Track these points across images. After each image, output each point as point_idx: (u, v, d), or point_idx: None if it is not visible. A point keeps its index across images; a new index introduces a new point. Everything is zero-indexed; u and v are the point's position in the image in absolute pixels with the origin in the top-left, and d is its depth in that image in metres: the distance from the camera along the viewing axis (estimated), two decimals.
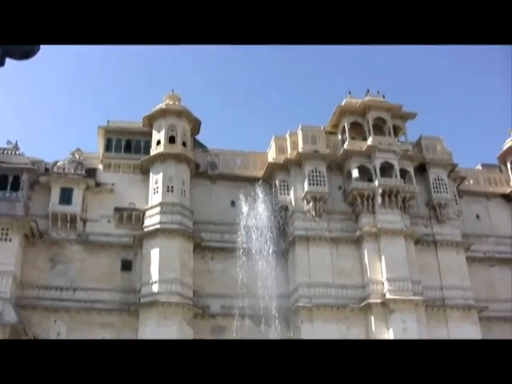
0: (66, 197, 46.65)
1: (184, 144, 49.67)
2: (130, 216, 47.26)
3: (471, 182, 57.00)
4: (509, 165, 57.43)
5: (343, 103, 52.51)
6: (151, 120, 50.42)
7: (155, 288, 43.78)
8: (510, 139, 58.19)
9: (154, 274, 44.19)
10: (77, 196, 46.98)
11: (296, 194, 48.82)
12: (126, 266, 46.30)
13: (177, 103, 51.26)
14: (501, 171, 58.54)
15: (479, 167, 59.59)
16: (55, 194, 46.68)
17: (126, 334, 42.71)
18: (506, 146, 57.86)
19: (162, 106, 50.58)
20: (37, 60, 8.37)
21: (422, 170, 52.10)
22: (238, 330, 41.75)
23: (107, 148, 50.15)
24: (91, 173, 48.66)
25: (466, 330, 45.39)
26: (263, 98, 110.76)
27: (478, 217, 55.37)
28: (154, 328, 42.11)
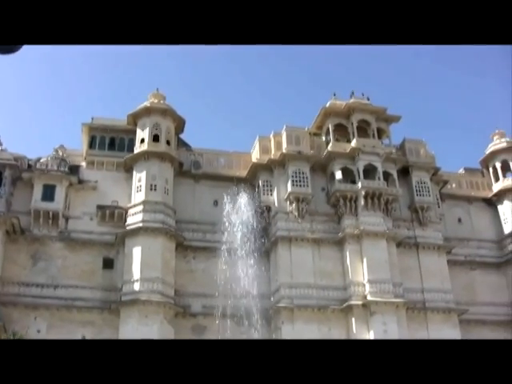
0: (48, 193, 46.46)
1: (168, 143, 49.59)
2: (113, 214, 47.10)
3: (453, 185, 57.34)
4: (491, 169, 57.77)
5: (328, 105, 52.60)
6: (135, 118, 50.28)
7: (136, 286, 43.67)
8: (492, 144, 58.52)
9: (136, 273, 44.08)
10: (59, 193, 46.79)
11: (279, 194, 48.87)
12: (108, 263, 46.15)
13: (161, 102, 51.14)
14: (483, 175, 58.89)
15: (462, 171, 59.96)
16: (38, 191, 46.47)
17: (107, 333, 42.60)
18: (488, 151, 58.16)
19: (146, 104, 50.45)
20: (21, 56, 8.34)
21: (405, 172, 52.33)
22: (218, 330, 41.70)
23: (91, 145, 50.00)
24: (74, 170, 48.50)
25: (446, 332, 45.65)
26: (248, 98, 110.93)
27: (459, 220, 55.70)
28: (135, 326, 42.00)
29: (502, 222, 55.54)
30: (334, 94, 54.08)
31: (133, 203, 47.04)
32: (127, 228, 46.09)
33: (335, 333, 44.55)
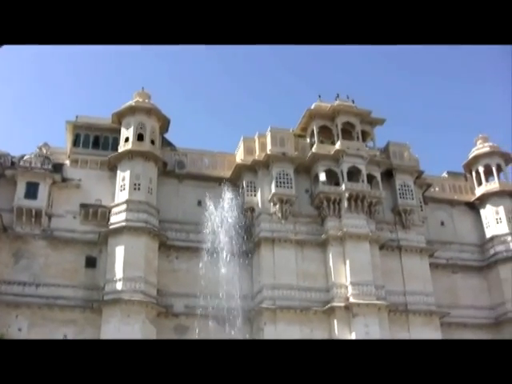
0: (31, 191, 46.23)
1: (152, 142, 49.48)
2: (96, 213, 46.92)
3: (437, 189, 57.63)
4: (474, 173, 58.12)
5: (313, 107, 52.70)
6: (120, 117, 50.12)
7: (119, 286, 43.51)
8: (475, 148, 58.87)
9: (119, 272, 43.91)
10: (42, 191, 46.57)
11: (263, 195, 48.87)
12: (91, 262, 45.96)
13: (146, 101, 51.01)
14: (466, 179, 59.27)
15: (445, 175, 60.29)
16: (21, 188, 46.22)
17: (89, 332, 42.49)
18: (471, 155, 58.52)
19: (131, 103, 50.30)
20: (5, 53, 8.33)
21: (388, 175, 52.52)
22: (200, 330, 41.67)
23: (75, 143, 49.79)
24: (58, 168, 48.27)
25: (427, 335, 45.83)
26: (233, 98, 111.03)
27: (442, 224, 56.01)
28: (117, 326, 41.85)
29: (484, 226, 55.90)
30: (319, 96, 54.28)
31: (116, 202, 46.89)
32: (110, 227, 45.92)
33: (317, 334, 44.59)
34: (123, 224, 45.43)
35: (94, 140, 50.34)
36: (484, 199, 56.48)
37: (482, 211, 56.71)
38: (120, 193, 47.17)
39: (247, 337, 43.49)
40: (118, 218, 46.15)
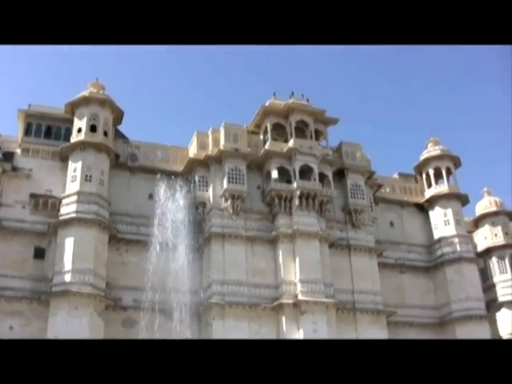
0: None
1: (105, 133, 49.06)
2: (46, 203, 46.42)
3: (387, 189, 58.28)
4: (424, 175, 58.97)
5: (267, 104, 52.78)
6: (74, 107, 49.59)
7: (67, 278, 43.05)
8: (426, 151, 59.77)
9: (67, 264, 43.45)
10: None
11: (215, 190, 48.88)
12: (39, 253, 45.46)
13: (101, 92, 50.53)
14: (416, 181, 60.13)
15: (396, 176, 61.02)
16: None
17: (36, 324, 42.08)
18: (422, 158, 59.40)
19: (85, 93, 49.80)
20: None
21: (340, 175, 52.96)
22: (148, 324, 41.42)
23: (27, 132, 49.17)
24: (8, 157, 47.60)
25: (374, 333, 46.40)
26: (189, 93, 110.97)
27: (391, 224, 56.70)
28: (65, 318, 41.44)
29: (433, 228, 56.82)
30: (274, 94, 54.37)
31: (67, 193, 46.39)
32: (60, 218, 45.43)
33: (265, 330, 44.80)
34: (73, 215, 44.99)
35: (46, 129, 49.76)
36: (433, 201, 57.37)
37: (430, 213, 57.60)
38: (71, 184, 46.68)
39: (195, 331, 43.45)
40: (68, 210, 45.67)
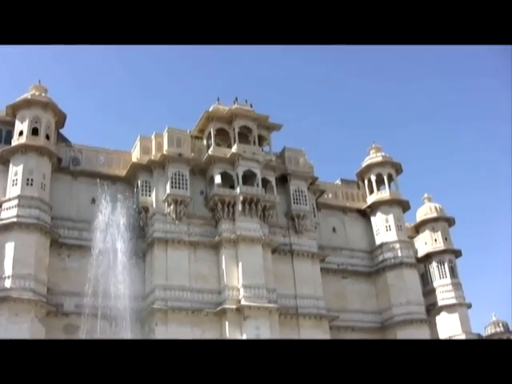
0: None
1: (47, 137, 48.33)
2: None
3: (330, 195, 58.77)
4: (366, 182, 59.64)
5: (211, 109, 52.74)
6: (15, 109, 48.75)
7: (7, 283, 42.28)
8: (368, 158, 60.47)
9: (8, 269, 42.67)
10: None
11: (157, 195, 48.64)
12: None
13: (43, 94, 49.81)
14: (358, 187, 60.80)
15: (338, 182, 61.58)
16: None
17: None
18: (364, 164, 60.08)
19: (27, 96, 49.02)
20: None
21: (283, 180, 53.19)
22: (90, 330, 40.91)
23: None
24: None
25: (317, 337, 46.53)
26: (132, 97, 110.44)
27: (334, 230, 57.20)
28: (5, 325, 40.59)
29: (374, 233, 57.47)
30: (218, 99, 54.38)
31: (7, 197, 45.55)
32: (0, 222, 44.64)
33: (208, 335, 44.65)
34: (14, 220, 44.23)
35: None
36: (375, 207, 58.04)
37: (372, 219, 58.28)
38: (12, 187, 45.89)
39: (138, 337, 43.07)
40: (8, 214, 44.87)
